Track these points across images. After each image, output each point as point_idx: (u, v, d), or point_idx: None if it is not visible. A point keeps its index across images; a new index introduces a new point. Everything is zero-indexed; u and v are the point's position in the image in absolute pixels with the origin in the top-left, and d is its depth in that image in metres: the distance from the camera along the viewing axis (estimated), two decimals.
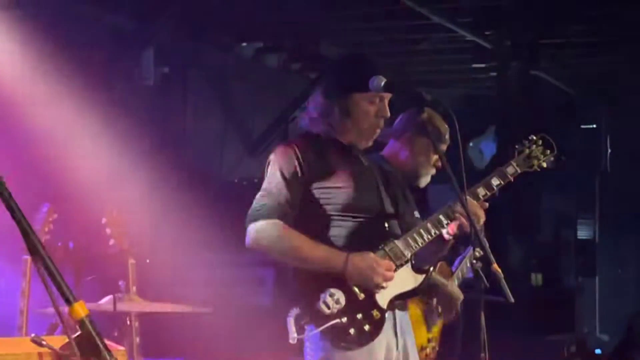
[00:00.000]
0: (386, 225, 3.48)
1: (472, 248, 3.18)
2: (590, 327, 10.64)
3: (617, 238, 10.88)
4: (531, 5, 7.72)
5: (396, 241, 3.44)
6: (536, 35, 8.47)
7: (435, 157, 4.27)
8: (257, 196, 3.44)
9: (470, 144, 9.61)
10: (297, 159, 3.43)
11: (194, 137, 7.72)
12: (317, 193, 3.42)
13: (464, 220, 3.43)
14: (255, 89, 8.56)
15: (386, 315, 3.39)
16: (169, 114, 7.50)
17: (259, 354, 5.36)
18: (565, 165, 3.93)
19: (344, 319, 3.30)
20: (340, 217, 3.42)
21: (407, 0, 7.10)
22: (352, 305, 3.32)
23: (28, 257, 4.28)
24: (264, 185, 3.46)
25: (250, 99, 8.56)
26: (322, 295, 3.30)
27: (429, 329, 4.46)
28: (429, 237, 3.48)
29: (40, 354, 2.28)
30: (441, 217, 3.51)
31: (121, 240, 4.47)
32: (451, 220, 3.50)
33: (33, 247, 2.01)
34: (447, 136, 4.27)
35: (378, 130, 3.56)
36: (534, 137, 3.83)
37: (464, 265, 4.55)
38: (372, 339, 3.34)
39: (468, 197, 3.42)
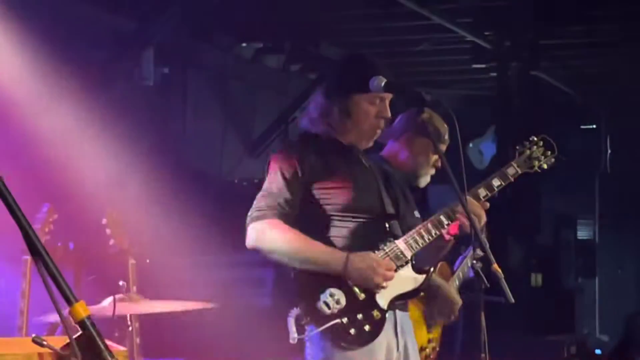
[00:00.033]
0: (387, 225, 3.48)
1: (472, 248, 3.18)
2: (590, 327, 10.65)
3: (617, 238, 10.90)
4: (531, 6, 7.72)
5: (397, 241, 3.44)
6: (536, 35, 8.47)
7: (435, 157, 4.27)
8: (258, 196, 3.44)
9: (470, 145, 9.60)
10: (298, 159, 3.43)
11: (194, 137, 7.72)
12: (317, 193, 3.42)
13: (464, 220, 3.43)
14: (255, 89, 8.56)
15: (387, 315, 3.38)
16: (168, 114, 7.50)
17: (260, 354, 5.34)
18: (565, 165, 3.92)
19: (345, 319, 3.30)
20: (340, 218, 3.42)
21: (407, 1, 7.10)
22: (352, 306, 3.32)
23: (28, 258, 4.27)
24: (265, 185, 3.46)
25: (250, 99, 8.56)
26: (322, 296, 3.30)
27: (429, 330, 4.46)
28: (430, 237, 3.48)
29: (40, 355, 2.27)
30: (442, 217, 3.50)
31: (121, 240, 4.46)
32: (452, 221, 3.50)
33: (33, 247, 2.00)
34: (446, 136, 4.27)
35: (379, 131, 3.56)
36: (535, 138, 3.83)
37: (465, 266, 4.55)
38: (373, 339, 3.34)
39: (469, 197, 3.42)
